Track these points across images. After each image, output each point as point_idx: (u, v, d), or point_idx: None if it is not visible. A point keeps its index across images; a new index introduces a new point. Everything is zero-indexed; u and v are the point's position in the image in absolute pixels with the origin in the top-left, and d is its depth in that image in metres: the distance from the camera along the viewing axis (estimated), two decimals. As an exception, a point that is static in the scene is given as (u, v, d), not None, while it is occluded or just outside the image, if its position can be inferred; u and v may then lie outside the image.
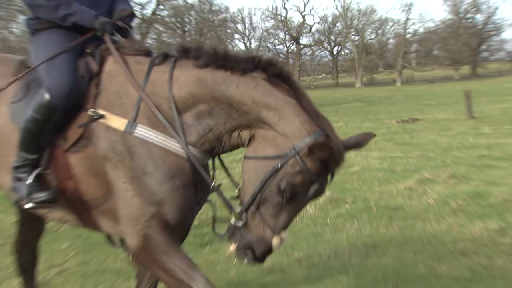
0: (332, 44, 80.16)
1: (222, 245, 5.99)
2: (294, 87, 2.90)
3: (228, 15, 63.50)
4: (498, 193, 7.85)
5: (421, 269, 5.24)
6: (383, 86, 69.84)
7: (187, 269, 2.87)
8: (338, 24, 76.58)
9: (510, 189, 8.08)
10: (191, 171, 3.01)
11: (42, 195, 3.13)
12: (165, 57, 3.11)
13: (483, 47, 77.47)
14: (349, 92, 57.91)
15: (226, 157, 3.38)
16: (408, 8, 75.74)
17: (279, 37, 77.31)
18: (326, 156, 2.64)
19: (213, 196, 3.22)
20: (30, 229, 4.18)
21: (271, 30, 76.56)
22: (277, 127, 2.79)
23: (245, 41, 76.37)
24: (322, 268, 5.39)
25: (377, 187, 8.99)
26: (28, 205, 3.17)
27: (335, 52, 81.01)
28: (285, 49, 77.86)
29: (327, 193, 7.76)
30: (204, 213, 6.77)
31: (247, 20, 78.44)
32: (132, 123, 2.98)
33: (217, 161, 3.21)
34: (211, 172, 3.22)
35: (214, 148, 3.05)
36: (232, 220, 2.91)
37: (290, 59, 74.79)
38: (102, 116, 3.02)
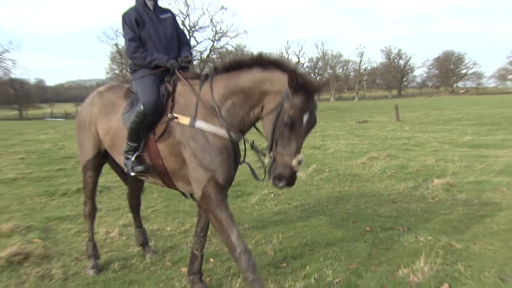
0: (316, 74, 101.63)
1: (248, 197, 7.25)
2: (276, 63, 3.30)
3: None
4: (413, 165, 9.45)
5: (369, 211, 6.31)
6: (347, 101, 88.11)
7: (229, 222, 3.33)
8: (319, 63, 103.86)
9: (420, 163, 9.67)
10: (232, 147, 3.52)
11: (140, 168, 3.79)
12: (206, 76, 3.66)
13: (404, 79, 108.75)
14: (327, 104, 67.92)
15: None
16: (361, 54, 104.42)
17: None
18: (299, 85, 3.05)
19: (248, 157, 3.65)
20: (135, 186, 4.88)
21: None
22: (273, 90, 3.24)
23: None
24: (310, 211, 6.43)
25: (344, 162, 10.57)
26: (132, 174, 3.85)
27: (318, 79, 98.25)
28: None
29: (313, 165, 9.38)
30: (237, 176, 8.12)
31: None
32: (193, 119, 3.54)
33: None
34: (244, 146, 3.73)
35: (242, 129, 3.53)
36: (266, 162, 3.26)
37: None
38: (176, 118, 3.60)
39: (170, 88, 3.80)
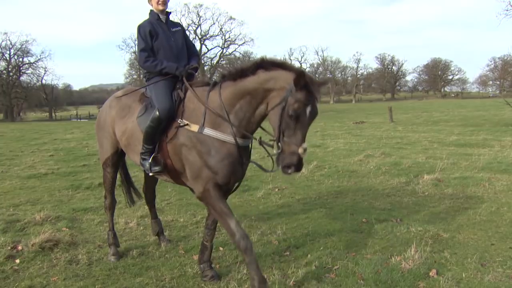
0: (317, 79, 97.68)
1: (255, 191, 7.25)
2: (277, 63, 3.33)
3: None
4: (405, 162, 9.41)
5: (365, 204, 6.31)
6: (345, 103, 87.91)
7: (227, 213, 3.43)
8: (320, 68, 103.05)
9: (411, 161, 9.65)
10: (238, 151, 3.48)
11: (156, 168, 3.76)
12: (215, 83, 3.63)
13: (397, 83, 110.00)
14: (327, 106, 67.59)
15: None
16: (358, 61, 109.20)
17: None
18: (303, 83, 3.07)
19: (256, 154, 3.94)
20: (150, 180, 4.89)
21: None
22: (276, 86, 3.24)
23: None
24: (311, 205, 6.38)
25: (342, 159, 10.53)
26: (150, 174, 3.85)
27: None
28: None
29: (314, 162, 9.39)
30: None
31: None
32: (202, 127, 3.52)
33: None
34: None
35: (249, 129, 3.50)
36: (274, 148, 3.25)
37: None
38: (186, 124, 3.58)
39: (181, 94, 3.80)
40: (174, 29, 4.10)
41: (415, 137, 15.53)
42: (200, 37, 62.33)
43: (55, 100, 76.62)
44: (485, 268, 3.93)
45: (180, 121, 3.61)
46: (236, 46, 63.12)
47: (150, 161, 3.76)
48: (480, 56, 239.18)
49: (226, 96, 3.49)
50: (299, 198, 6.90)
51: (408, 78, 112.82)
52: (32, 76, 69.49)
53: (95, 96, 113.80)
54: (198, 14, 62.36)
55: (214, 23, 63.33)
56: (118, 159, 4.55)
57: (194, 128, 3.54)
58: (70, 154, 13.48)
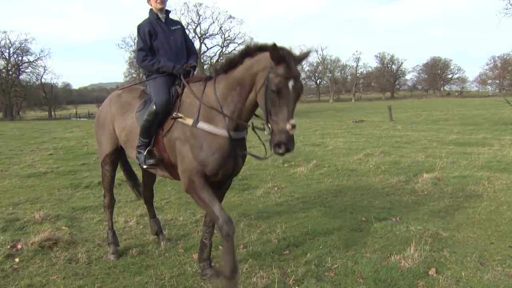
0: (316, 78, 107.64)
1: (254, 190, 7.23)
2: (260, 47, 3.33)
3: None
4: (405, 161, 9.45)
5: (365, 203, 6.30)
6: (344, 102, 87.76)
7: (210, 199, 3.43)
8: (319, 67, 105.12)
9: (411, 160, 9.70)
10: (230, 144, 3.50)
11: (151, 161, 3.81)
12: (210, 78, 3.68)
13: (396, 82, 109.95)
14: (326, 105, 67.99)
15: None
16: (357, 60, 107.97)
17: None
18: (280, 56, 3.08)
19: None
20: (148, 179, 4.88)
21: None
22: (259, 69, 3.27)
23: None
24: (310, 203, 6.37)
25: (342, 158, 10.53)
26: (144, 166, 3.87)
27: (318, 82, 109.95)
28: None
29: (314, 161, 9.38)
30: (243, 171, 8.17)
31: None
32: (196, 121, 3.56)
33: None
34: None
35: (243, 119, 3.51)
36: (266, 130, 3.24)
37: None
38: (181, 117, 3.63)
39: (179, 90, 3.85)
40: (173, 28, 4.12)
41: (415, 136, 15.52)
42: (199, 36, 62.21)
43: (55, 99, 76.55)
44: (484, 267, 3.93)
45: (175, 114, 3.66)
46: (236, 45, 62.86)
47: (145, 154, 3.79)
48: (479, 55, 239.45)
49: (221, 90, 3.54)
50: (298, 197, 6.90)
51: (408, 77, 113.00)
52: (31, 75, 69.49)
53: (94, 95, 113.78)
54: (198, 13, 62.26)
55: (213, 22, 63.24)
56: (117, 157, 4.55)
57: (189, 121, 3.58)
58: (70, 153, 13.47)
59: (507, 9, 27.20)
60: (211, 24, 63.70)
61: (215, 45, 64.38)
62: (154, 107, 3.73)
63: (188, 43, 4.28)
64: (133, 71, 67.45)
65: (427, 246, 4.35)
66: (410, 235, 4.78)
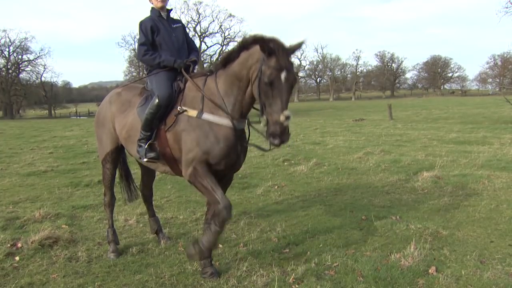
0: (316, 76, 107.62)
1: (254, 188, 7.22)
2: (255, 40, 3.37)
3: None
4: (405, 160, 9.44)
5: (365, 202, 6.30)
6: (344, 101, 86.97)
7: (213, 186, 3.51)
8: (319, 66, 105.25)
9: (411, 158, 9.68)
10: (234, 134, 3.61)
11: (152, 154, 3.83)
12: (211, 72, 3.80)
13: (396, 81, 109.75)
14: (326, 104, 67.98)
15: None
16: (357, 58, 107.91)
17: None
18: (270, 48, 3.13)
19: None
20: (147, 178, 4.92)
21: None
22: (253, 62, 3.33)
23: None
24: (311, 202, 6.37)
25: (342, 156, 10.53)
26: (144, 160, 3.88)
27: (318, 81, 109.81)
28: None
29: (314, 159, 9.38)
30: (243, 170, 8.21)
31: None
32: (201, 112, 3.66)
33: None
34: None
35: (243, 112, 3.61)
36: (262, 122, 3.27)
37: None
38: (185, 110, 3.71)
39: (181, 85, 3.92)
40: (174, 26, 4.17)
41: (415, 135, 15.51)
42: (199, 34, 62.17)
43: (55, 97, 76.54)
44: (484, 265, 3.93)
45: (179, 108, 3.71)
46: (236, 43, 62.87)
47: (145, 147, 3.82)
48: (480, 53, 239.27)
49: (221, 84, 3.63)
50: (298, 195, 6.91)
51: (408, 75, 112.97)
52: (31, 73, 69.53)
53: (94, 94, 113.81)
54: (198, 12, 62.20)
55: (213, 20, 63.22)
56: (117, 155, 4.56)
57: (193, 113, 3.65)
58: (70, 151, 13.47)
59: (507, 7, 27.21)
60: (211, 23, 63.71)
61: (215, 44, 64.42)
62: (157, 100, 3.77)
63: (189, 41, 4.34)
64: (133, 69, 67.40)
65: (427, 244, 4.35)
66: (410, 234, 4.77)
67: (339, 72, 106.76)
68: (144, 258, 4.33)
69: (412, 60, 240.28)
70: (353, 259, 4.10)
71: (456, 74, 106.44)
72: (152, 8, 4.14)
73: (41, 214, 5.66)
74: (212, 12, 64.10)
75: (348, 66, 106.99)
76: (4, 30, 78.02)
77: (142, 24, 4.02)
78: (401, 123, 22.23)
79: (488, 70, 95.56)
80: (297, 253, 4.36)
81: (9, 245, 4.59)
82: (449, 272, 3.76)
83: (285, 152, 11.13)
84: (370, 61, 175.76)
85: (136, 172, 7.76)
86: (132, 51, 65.02)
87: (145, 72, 4.28)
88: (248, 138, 3.87)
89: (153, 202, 5.12)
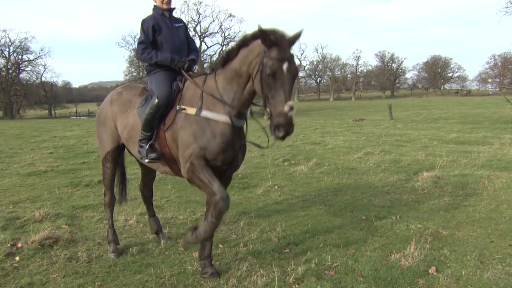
0: (316, 76, 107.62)
1: (254, 188, 7.23)
2: (253, 36, 3.39)
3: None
4: (405, 160, 9.44)
5: (365, 202, 6.31)
6: (344, 100, 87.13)
7: (210, 179, 3.47)
8: (319, 66, 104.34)
9: (411, 158, 9.68)
10: (232, 131, 3.59)
11: (152, 155, 3.84)
12: (212, 70, 3.79)
13: (397, 81, 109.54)
14: (326, 104, 68.09)
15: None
16: (357, 58, 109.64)
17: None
18: (271, 40, 3.13)
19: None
20: (148, 178, 4.93)
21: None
22: (253, 56, 3.34)
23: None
24: (311, 202, 6.39)
25: (342, 156, 10.54)
26: (145, 161, 3.91)
27: (318, 81, 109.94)
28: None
29: (314, 159, 9.39)
30: (244, 169, 8.22)
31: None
32: (199, 109, 3.65)
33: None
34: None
35: (242, 108, 3.60)
36: (265, 116, 3.25)
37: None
38: (184, 109, 3.72)
39: (180, 85, 3.92)
40: (176, 25, 4.17)
41: (415, 135, 15.51)
42: (199, 34, 62.22)
43: (55, 97, 76.56)
44: (484, 265, 3.93)
45: (178, 107, 3.73)
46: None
47: (146, 147, 3.83)
48: (480, 53, 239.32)
49: (220, 81, 3.63)
50: (298, 195, 6.91)
51: (408, 75, 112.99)
52: (31, 73, 69.53)
53: (94, 94, 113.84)
54: (198, 12, 62.25)
55: (213, 21, 63.28)
56: (118, 154, 4.55)
57: (192, 111, 3.66)
58: (70, 151, 13.47)
59: (507, 7, 27.19)
60: (211, 23, 63.80)
61: (215, 44, 64.51)
62: (156, 100, 3.78)
63: (190, 40, 4.34)
64: (133, 69, 67.43)
65: (427, 244, 4.35)
66: (410, 234, 4.78)
67: (339, 72, 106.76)
68: (144, 258, 4.33)
69: (412, 60, 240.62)
70: (353, 259, 4.10)
71: (456, 74, 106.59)
72: (155, 6, 4.13)
73: (41, 214, 5.66)
74: (212, 12, 64.27)
75: (348, 66, 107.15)
76: (4, 30, 78.11)
77: (144, 22, 4.03)
78: (401, 123, 22.25)
79: (488, 70, 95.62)
80: (297, 253, 4.35)
81: (9, 245, 4.59)
82: (449, 272, 3.76)
83: (285, 152, 11.14)
84: (370, 61, 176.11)
85: (136, 172, 7.81)
86: (132, 51, 65.04)
87: (145, 72, 4.27)
88: (246, 132, 3.83)
89: (153, 202, 5.11)
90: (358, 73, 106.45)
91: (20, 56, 67.47)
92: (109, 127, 4.41)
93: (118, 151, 4.52)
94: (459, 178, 7.49)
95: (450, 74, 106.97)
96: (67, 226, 5.29)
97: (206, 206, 3.96)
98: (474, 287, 3.55)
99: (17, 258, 4.29)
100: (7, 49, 65.64)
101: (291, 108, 3.07)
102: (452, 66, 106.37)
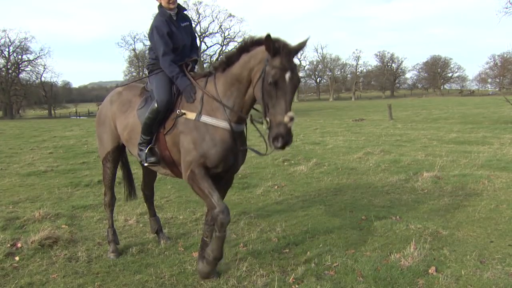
0: (316, 76, 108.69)
1: (254, 188, 7.23)
2: (255, 42, 3.38)
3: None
4: (405, 160, 9.42)
5: (364, 202, 6.30)
6: (344, 100, 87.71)
7: (210, 190, 3.49)
8: (319, 66, 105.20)
9: (411, 158, 9.66)
10: (232, 138, 3.58)
11: (152, 159, 3.86)
12: (210, 73, 3.75)
13: (396, 81, 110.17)
14: (326, 104, 68.13)
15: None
16: (357, 58, 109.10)
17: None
18: (275, 48, 3.10)
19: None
20: (149, 177, 4.90)
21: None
22: (255, 63, 3.31)
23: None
24: (310, 202, 6.38)
25: (342, 156, 10.53)
26: (145, 164, 3.95)
27: (318, 81, 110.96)
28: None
29: (314, 159, 9.38)
30: (243, 170, 8.20)
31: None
32: (199, 114, 3.63)
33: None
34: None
35: (242, 114, 3.56)
36: (264, 124, 3.24)
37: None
38: (184, 114, 3.69)
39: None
40: (183, 25, 4.04)
41: (415, 135, 15.51)
42: (199, 34, 62.23)
43: (54, 97, 76.58)
44: (484, 265, 3.93)
45: (178, 111, 3.69)
46: (236, 43, 63.05)
47: (146, 151, 3.83)
48: (479, 53, 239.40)
49: (220, 86, 3.60)
50: (298, 195, 6.91)
51: (408, 75, 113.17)
52: (31, 73, 69.60)
53: (94, 94, 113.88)
54: (198, 12, 62.29)
55: (213, 20, 63.35)
56: (118, 154, 4.55)
57: (192, 116, 3.63)
58: (70, 151, 13.46)
59: (507, 8, 27.21)
60: (211, 23, 63.86)
61: (215, 44, 64.59)
62: (156, 105, 3.75)
63: (193, 37, 4.23)
64: (132, 69, 67.43)
65: (426, 244, 4.35)
66: (410, 234, 4.78)
67: (339, 72, 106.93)
68: (144, 258, 4.33)
69: (412, 60, 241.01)
70: (353, 259, 4.10)
71: (456, 74, 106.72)
72: (161, 7, 3.95)
73: (41, 214, 5.66)
74: (212, 12, 64.29)
75: (348, 66, 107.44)
76: (4, 30, 78.13)
77: (158, 30, 3.83)
78: (401, 123, 22.25)
79: (488, 70, 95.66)
80: (297, 253, 4.35)
81: (9, 245, 4.59)
82: (449, 272, 3.76)
83: (285, 152, 11.12)
84: (370, 61, 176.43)
85: (136, 172, 7.80)
86: (132, 51, 65.04)
87: (145, 72, 4.27)
88: (246, 134, 3.82)
89: (154, 202, 5.11)
90: (358, 73, 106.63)
91: (20, 56, 67.60)
92: (109, 127, 4.40)
93: (118, 151, 4.52)
94: (459, 178, 7.49)
95: (450, 74, 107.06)
96: (67, 226, 5.29)
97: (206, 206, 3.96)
98: (474, 287, 3.55)
99: (17, 258, 4.29)
100: (7, 49, 65.73)
101: (291, 119, 3.05)
102: (452, 66, 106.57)
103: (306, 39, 3.26)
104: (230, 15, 62.90)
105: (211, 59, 62.14)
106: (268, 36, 3.08)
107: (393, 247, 4.39)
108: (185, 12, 4.15)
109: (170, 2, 3.91)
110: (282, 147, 3.10)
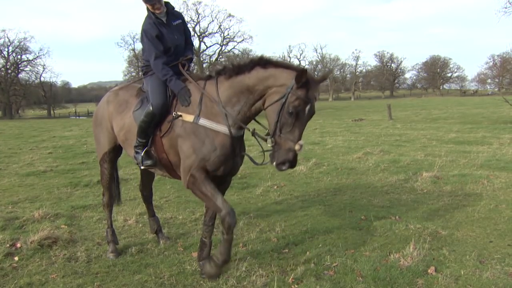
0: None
1: (253, 188, 7.24)
2: (275, 63, 3.38)
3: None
4: (404, 160, 9.42)
5: (364, 202, 6.32)
6: (344, 100, 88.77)
7: (213, 193, 3.45)
8: (319, 66, 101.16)
9: (410, 158, 9.66)
10: (232, 142, 3.54)
11: (148, 162, 3.84)
12: (211, 77, 3.69)
13: (396, 81, 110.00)
14: (325, 103, 68.12)
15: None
16: (357, 58, 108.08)
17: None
18: (305, 80, 3.11)
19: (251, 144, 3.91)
20: (147, 178, 4.89)
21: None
22: (276, 84, 3.27)
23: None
24: (310, 202, 6.40)
25: (341, 156, 10.54)
26: (142, 167, 3.94)
27: None
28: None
29: (313, 159, 9.37)
30: (243, 170, 8.17)
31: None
32: (197, 117, 3.57)
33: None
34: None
35: (244, 123, 3.55)
36: (268, 142, 3.30)
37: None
38: (180, 116, 3.64)
39: None
40: (175, 23, 3.99)
41: (414, 135, 15.53)
42: (199, 34, 62.16)
43: (54, 97, 76.58)
44: (483, 265, 3.94)
45: (174, 114, 3.65)
46: (235, 43, 63.14)
47: (142, 154, 3.81)
48: (479, 53, 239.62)
49: (224, 90, 3.53)
50: (298, 195, 6.91)
51: (407, 75, 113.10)
52: (30, 73, 69.49)
53: (93, 94, 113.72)
54: (197, 11, 62.21)
55: (213, 20, 63.25)
56: (115, 155, 4.54)
57: (190, 118, 3.58)
58: (69, 151, 13.46)
59: (506, 8, 27.20)
60: (210, 23, 63.75)
61: (215, 44, 64.47)
62: (151, 108, 3.72)
63: (187, 34, 4.18)
64: (132, 69, 67.37)
65: (426, 244, 4.36)
66: (409, 234, 4.78)
67: (338, 72, 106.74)
68: (143, 258, 4.33)
69: (411, 60, 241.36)
70: (353, 259, 4.11)
71: (455, 74, 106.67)
72: (149, 11, 3.88)
73: (40, 214, 5.66)
74: (212, 12, 64.21)
75: (348, 66, 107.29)
76: (3, 30, 78.00)
77: (147, 33, 3.81)
78: (400, 123, 22.26)
79: (487, 70, 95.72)
80: (296, 253, 4.36)
81: (8, 245, 4.59)
82: (448, 272, 3.77)
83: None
84: (369, 61, 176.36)
85: (135, 172, 7.81)
86: (131, 51, 65.04)
87: (141, 70, 4.23)
88: (263, 150, 3.73)
89: (153, 202, 5.10)
90: (357, 73, 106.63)
91: (19, 56, 67.46)
92: (105, 127, 4.38)
93: (115, 152, 4.51)
94: (458, 178, 7.50)
95: (449, 74, 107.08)
96: (66, 226, 5.28)
97: (205, 206, 3.94)
98: (473, 287, 3.55)
99: (16, 258, 4.29)
100: (6, 49, 65.58)
101: (301, 147, 3.16)
102: (451, 66, 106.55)
103: (329, 71, 3.46)
104: (230, 15, 62.84)
105: (211, 59, 62.07)
106: (304, 69, 3.14)
107: (393, 247, 4.39)
108: (176, 10, 4.09)
109: (156, 8, 3.81)
110: (285, 170, 3.22)
